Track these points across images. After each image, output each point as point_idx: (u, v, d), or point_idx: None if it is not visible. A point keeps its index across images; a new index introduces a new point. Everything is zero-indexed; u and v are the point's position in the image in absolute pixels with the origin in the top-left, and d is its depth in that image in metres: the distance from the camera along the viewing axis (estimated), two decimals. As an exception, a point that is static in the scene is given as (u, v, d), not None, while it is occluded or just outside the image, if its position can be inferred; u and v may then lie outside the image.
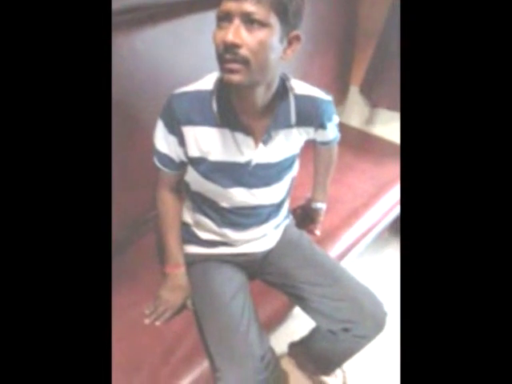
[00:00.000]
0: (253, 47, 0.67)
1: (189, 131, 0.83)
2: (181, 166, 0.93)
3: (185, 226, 1.05)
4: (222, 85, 0.81)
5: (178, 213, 1.00)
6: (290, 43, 0.74)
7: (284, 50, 0.74)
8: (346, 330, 0.97)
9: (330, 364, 1.20)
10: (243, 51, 0.67)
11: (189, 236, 1.04)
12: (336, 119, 1.01)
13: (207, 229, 1.01)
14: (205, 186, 0.92)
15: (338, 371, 1.27)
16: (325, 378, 1.27)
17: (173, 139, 0.85)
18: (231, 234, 1.00)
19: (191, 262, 1.03)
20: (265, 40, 0.68)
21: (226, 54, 0.68)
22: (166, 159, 0.90)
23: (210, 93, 0.82)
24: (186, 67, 1.16)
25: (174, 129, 0.83)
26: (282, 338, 1.37)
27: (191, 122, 0.82)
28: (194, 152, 0.86)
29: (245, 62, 0.68)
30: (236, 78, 0.70)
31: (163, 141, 0.87)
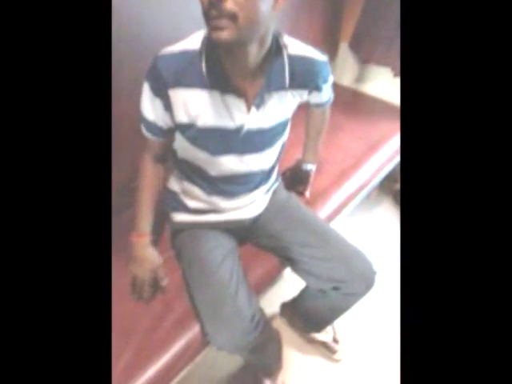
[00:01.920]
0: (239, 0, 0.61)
1: (176, 94, 0.77)
2: (168, 133, 0.88)
3: (172, 194, 1.03)
4: (210, 44, 0.75)
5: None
6: None
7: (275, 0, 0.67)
8: (335, 288, 0.98)
9: (320, 321, 1.23)
10: (229, 5, 0.60)
11: (176, 204, 1.02)
12: (331, 80, 0.96)
13: (195, 197, 0.99)
14: (193, 153, 0.89)
15: (329, 328, 1.31)
16: (316, 335, 1.31)
17: (159, 103, 0.80)
18: (220, 201, 0.98)
19: (179, 229, 1.02)
20: None
21: (212, 9, 0.61)
22: (153, 126, 0.85)
23: (198, 53, 0.75)
24: (173, 26, 1.10)
25: (161, 92, 0.77)
26: (274, 299, 1.40)
27: (179, 85, 0.76)
28: (181, 117, 0.80)
29: (231, 16, 0.61)
30: (223, 35, 0.63)
31: (149, 106, 0.81)
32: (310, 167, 1.23)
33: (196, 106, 0.78)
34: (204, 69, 0.75)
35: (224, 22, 0.62)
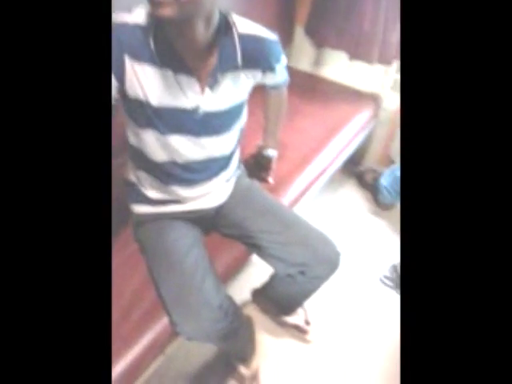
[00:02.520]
0: None
1: (132, 66, 0.73)
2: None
3: (131, 185, 1.00)
4: (156, 20, 0.72)
5: None
6: None
7: None
8: (302, 272, 1.00)
9: (291, 305, 1.26)
10: None
11: (136, 195, 0.99)
12: (284, 60, 0.96)
13: (154, 187, 0.96)
14: (144, 136, 0.84)
15: (300, 310, 1.33)
16: (288, 318, 1.33)
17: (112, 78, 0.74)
18: (180, 190, 0.96)
19: (141, 221, 1.00)
20: None
21: None
22: None
23: (147, 27, 0.72)
24: None
25: (116, 61, 0.72)
26: (244, 285, 1.40)
27: (134, 57, 0.73)
28: (135, 92, 0.76)
29: None
30: (166, 11, 0.61)
31: None
32: (272, 153, 1.24)
33: (150, 83, 0.76)
34: (152, 46, 0.72)
35: None
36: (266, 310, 1.37)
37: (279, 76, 0.98)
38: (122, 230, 1.13)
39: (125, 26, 0.72)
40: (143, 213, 0.99)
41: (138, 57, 0.73)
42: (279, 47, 0.90)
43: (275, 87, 1.06)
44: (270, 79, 0.97)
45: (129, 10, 0.74)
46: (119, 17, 0.72)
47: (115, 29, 0.71)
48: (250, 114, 1.03)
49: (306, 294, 1.16)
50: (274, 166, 1.27)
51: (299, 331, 1.35)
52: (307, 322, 1.35)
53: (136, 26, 0.72)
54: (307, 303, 1.26)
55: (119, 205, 1.16)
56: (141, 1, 0.70)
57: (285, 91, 1.12)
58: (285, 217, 1.03)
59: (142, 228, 1.00)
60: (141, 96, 0.77)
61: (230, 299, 0.94)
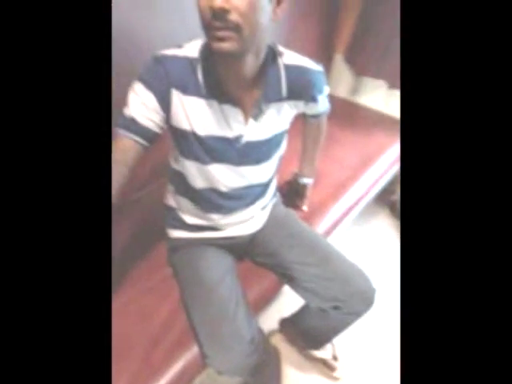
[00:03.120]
0: (243, 10, 0.60)
1: (178, 98, 0.75)
2: (153, 137, 0.77)
3: (170, 210, 1.01)
4: (207, 53, 0.74)
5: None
6: (278, 1, 0.68)
7: (273, 9, 0.67)
8: (336, 308, 0.96)
9: (320, 339, 1.21)
10: (234, 16, 0.60)
11: (173, 220, 1.00)
12: (327, 90, 0.95)
13: (192, 212, 0.96)
14: (187, 164, 0.85)
15: (328, 345, 1.28)
16: (315, 352, 1.28)
17: (155, 103, 0.73)
18: (217, 217, 0.96)
19: (176, 246, 1.00)
20: (254, 1, 0.61)
21: (216, 21, 0.61)
22: (138, 126, 0.74)
23: (196, 61, 0.74)
24: (169, 32, 1.09)
25: (162, 92, 0.73)
26: (273, 314, 1.37)
27: (181, 89, 0.74)
28: (181, 122, 0.77)
29: (236, 28, 0.61)
30: (227, 46, 0.63)
31: (142, 106, 0.73)
32: (307, 180, 1.22)
33: (195, 113, 0.77)
34: (201, 78, 0.74)
35: (228, 34, 0.62)
36: (293, 342, 1.33)
37: (321, 106, 0.97)
38: (154, 253, 1.13)
39: (174, 58, 0.74)
40: (179, 237, 0.99)
41: (185, 89, 0.74)
42: (323, 78, 0.89)
43: (316, 116, 1.05)
44: (312, 109, 0.96)
45: (179, 45, 0.76)
46: (170, 51, 0.74)
47: (165, 61, 0.73)
48: (289, 141, 1.02)
49: (338, 330, 1.11)
50: (308, 193, 1.25)
51: (326, 366, 1.30)
52: (335, 358, 1.30)
53: (185, 59, 0.74)
54: (337, 338, 1.22)
55: (153, 228, 1.18)
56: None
57: (324, 119, 1.11)
58: (321, 248, 1.00)
59: (176, 253, 0.99)
60: (186, 126, 0.78)
61: (260, 332, 0.91)
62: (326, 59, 1.82)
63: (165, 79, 0.72)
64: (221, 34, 0.62)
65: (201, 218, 0.96)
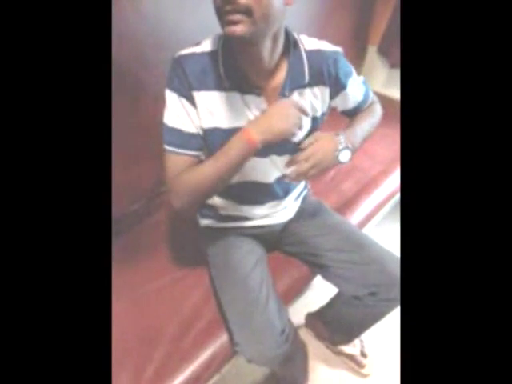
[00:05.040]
0: None
1: (200, 97, 0.75)
2: (202, 144, 0.79)
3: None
4: (225, 45, 0.74)
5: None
6: None
7: None
8: (372, 294, 0.93)
9: (350, 332, 1.18)
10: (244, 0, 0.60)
11: (207, 211, 1.00)
12: (357, 77, 0.89)
13: (225, 206, 0.96)
14: None
15: (356, 341, 1.26)
16: (343, 347, 1.26)
17: (191, 109, 0.74)
18: (250, 209, 0.96)
19: (208, 235, 1.00)
20: None
21: (226, 4, 0.60)
22: (187, 137, 0.76)
23: (215, 54, 0.74)
24: (194, 31, 1.08)
25: (188, 96, 0.74)
26: (299, 309, 1.35)
27: (202, 87, 0.74)
28: (206, 121, 0.77)
29: (247, 11, 0.60)
30: (238, 29, 0.62)
31: (181, 114, 0.75)
32: (345, 156, 0.83)
33: (218, 108, 0.76)
34: (222, 70, 0.73)
35: (239, 17, 0.61)
36: (321, 336, 1.31)
37: (357, 93, 0.90)
38: (186, 242, 1.15)
39: (193, 56, 0.74)
40: (210, 226, 0.99)
41: (205, 85, 0.74)
42: (343, 59, 0.84)
43: (359, 108, 0.94)
44: (346, 99, 0.89)
45: (197, 43, 0.76)
46: (188, 50, 0.74)
47: (183, 61, 0.73)
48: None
49: (371, 320, 1.07)
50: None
51: (355, 363, 1.27)
52: (364, 354, 1.28)
53: (205, 55, 0.74)
54: (364, 335, 1.19)
55: (186, 219, 1.19)
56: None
57: (375, 108, 0.98)
58: (354, 235, 0.98)
59: (208, 242, 0.99)
60: (211, 124, 0.77)
61: (290, 323, 0.90)
62: (359, 51, 1.79)
63: (185, 81, 0.73)
64: (232, 17, 0.61)
65: (233, 210, 0.96)
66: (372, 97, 0.97)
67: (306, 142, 0.79)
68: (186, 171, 0.76)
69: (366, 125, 0.92)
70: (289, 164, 0.81)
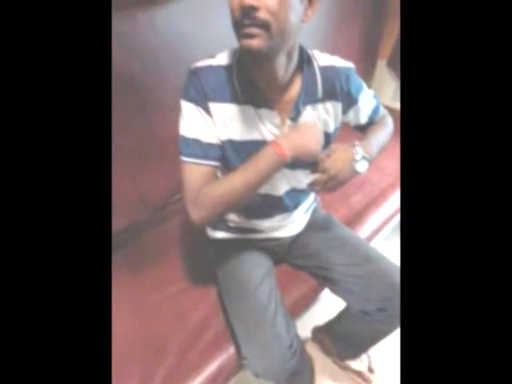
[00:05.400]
0: (272, 8, 0.60)
1: (216, 109, 0.75)
2: (220, 154, 0.78)
3: None
4: (240, 58, 0.75)
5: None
6: (310, 2, 0.67)
7: (304, 10, 0.67)
8: (381, 309, 0.92)
9: (358, 347, 1.17)
10: (262, 14, 0.60)
11: (216, 222, 1.00)
12: (368, 91, 0.90)
13: (234, 220, 0.96)
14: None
15: (364, 356, 1.24)
16: (350, 363, 1.25)
17: (209, 119, 0.75)
18: (260, 222, 0.95)
19: (217, 247, 1.00)
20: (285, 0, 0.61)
21: (244, 18, 0.62)
22: (206, 147, 0.75)
23: (230, 68, 0.75)
24: (209, 43, 1.10)
25: (204, 106, 0.74)
26: (306, 322, 1.34)
27: (218, 99, 0.75)
28: (221, 133, 0.77)
29: (265, 25, 0.62)
30: (255, 42, 0.63)
31: (199, 124, 0.74)
32: (362, 167, 0.83)
33: (232, 120, 0.77)
34: (237, 84, 0.74)
35: (257, 31, 0.62)
36: (327, 351, 1.30)
37: (367, 106, 0.90)
38: (193, 253, 1.15)
39: (209, 68, 0.74)
40: (221, 238, 0.99)
41: (220, 97, 0.75)
42: (354, 74, 0.85)
43: (371, 121, 0.94)
44: (359, 114, 0.90)
45: (212, 55, 0.77)
46: (204, 62, 0.75)
47: (200, 73, 0.73)
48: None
49: (378, 336, 1.06)
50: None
51: (361, 378, 1.26)
52: (371, 370, 1.26)
53: (220, 68, 0.75)
54: (372, 350, 1.18)
55: (194, 230, 1.19)
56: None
57: (388, 121, 0.97)
58: (363, 249, 0.98)
59: (217, 254, 0.99)
60: (224, 136, 0.78)
61: (298, 338, 0.90)
62: (369, 65, 1.80)
63: (202, 92, 0.73)
64: (249, 30, 0.62)
65: (243, 222, 0.96)
66: (383, 110, 0.97)
67: (323, 154, 0.80)
68: (211, 183, 0.75)
69: (380, 135, 0.92)
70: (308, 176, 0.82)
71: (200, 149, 0.75)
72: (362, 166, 0.82)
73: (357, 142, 0.84)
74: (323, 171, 0.78)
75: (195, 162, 0.75)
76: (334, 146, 0.83)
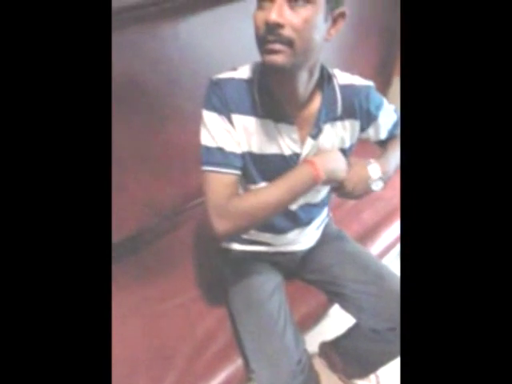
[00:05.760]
0: (297, 27, 0.62)
1: (237, 120, 0.75)
2: (243, 164, 0.77)
3: None
4: (261, 73, 0.76)
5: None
6: (334, 22, 0.69)
7: (328, 29, 0.68)
8: (392, 329, 0.90)
9: (366, 366, 1.15)
10: (287, 31, 0.62)
11: None
12: (388, 106, 0.89)
13: (249, 232, 0.95)
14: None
15: (372, 375, 1.22)
16: (357, 381, 1.23)
17: (231, 128, 0.75)
18: (271, 236, 0.95)
19: (228, 258, 1.01)
20: (310, 18, 0.62)
21: (269, 35, 0.63)
22: (230, 156, 0.75)
23: (251, 82, 0.76)
24: (229, 56, 1.12)
25: (227, 116, 0.74)
26: (314, 337, 1.33)
27: (239, 110, 0.75)
28: (243, 144, 0.77)
29: (289, 42, 0.63)
30: (279, 58, 0.64)
31: (222, 133, 0.74)
32: (377, 186, 0.84)
33: (252, 133, 0.78)
34: (257, 98, 0.75)
35: (281, 47, 0.63)
36: (334, 368, 1.28)
37: (387, 122, 0.90)
38: (204, 262, 1.15)
39: (232, 80, 0.76)
40: (232, 249, 1.00)
41: (242, 109, 0.75)
42: (374, 91, 0.85)
43: (391, 136, 0.93)
44: (379, 131, 0.90)
45: (234, 68, 0.79)
46: (226, 74, 0.76)
47: (222, 84, 0.74)
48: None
49: (388, 356, 1.03)
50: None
51: (368, 399, 1.23)
52: (379, 390, 1.24)
53: (242, 81, 0.76)
54: (382, 370, 1.16)
55: (205, 239, 1.20)
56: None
57: None
58: (374, 267, 0.97)
59: (227, 265, 1.00)
60: (247, 146, 0.78)
61: (307, 353, 0.89)
62: (384, 81, 1.81)
63: (224, 102, 0.74)
64: (273, 46, 0.63)
65: (256, 235, 0.95)
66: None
67: None
68: (241, 195, 0.76)
69: (399, 153, 0.92)
70: None
71: (224, 157, 0.74)
72: (377, 185, 0.84)
73: (372, 160, 0.84)
74: (340, 186, 0.80)
75: (220, 170, 0.74)
76: (352, 159, 0.84)
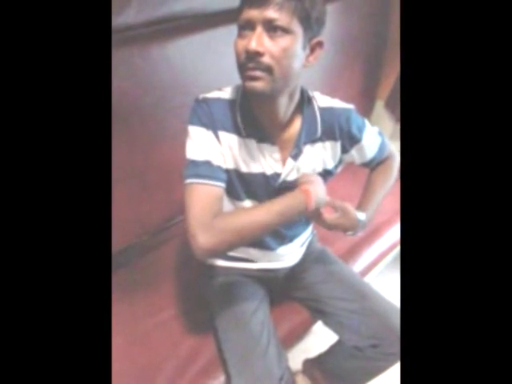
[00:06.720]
0: (276, 55, 0.65)
1: (224, 137, 0.78)
2: (226, 179, 0.79)
3: None
4: (244, 95, 0.79)
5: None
6: (312, 50, 0.72)
7: (306, 56, 0.72)
8: (373, 346, 0.92)
9: (350, 382, 1.15)
10: (266, 59, 0.66)
11: None
12: (371, 128, 0.91)
13: None
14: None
15: (356, 392, 1.23)
16: (341, 398, 1.23)
17: (218, 144, 0.77)
18: (255, 253, 0.97)
19: (211, 274, 1.01)
20: (288, 47, 0.66)
21: (249, 62, 0.66)
22: (217, 170, 0.76)
23: (234, 103, 0.79)
24: (216, 77, 1.16)
25: (215, 133, 0.77)
26: (297, 354, 1.33)
27: (225, 128, 0.78)
28: (228, 161, 0.80)
29: (268, 69, 0.66)
30: (258, 85, 0.68)
31: (210, 147, 0.76)
32: (361, 216, 0.92)
33: (237, 150, 0.80)
34: (239, 118, 0.78)
35: (260, 74, 0.67)
36: (317, 385, 1.28)
37: (372, 148, 0.92)
38: (184, 280, 1.16)
39: (218, 100, 0.79)
40: (216, 265, 1.01)
41: (227, 128, 0.78)
42: (355, 115, 0.87)
43: (376, 159, 0.97)
44: (363, 154, 0.92)
45: (219, 88, 0.82)
46: (212, 94, 0.80)
47: (209, 102, 0.78)
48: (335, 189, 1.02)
49: (371, 374, 1.03)
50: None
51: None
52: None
53: (226, 101, 0.79)
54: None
55: (187, 256, 1.20)
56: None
57: (391, 164, 1.00)
58: (357, 285, 1.00)
59: (210, 281, 1.00)
60: (233, 164, 0.81)
61: (289, 370, 0.89)
62: (367, 105, 1.86)
63: (211, 119, 0.77)
64: (253, 73, 0.67)
65: (241, 251, 0.97)
66: (389, 147, 0.99)
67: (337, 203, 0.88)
68: (229, 212, 0.77)
69: (383, 188, 1.01)
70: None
71: (211, 170, 0.75)
72: (355, 234, 0.94)
73: (362, 211, 0.94)
74: (319, 214, 0.86)
75: (207, 182, 0.73)
76: (344, 205, 0.89)
